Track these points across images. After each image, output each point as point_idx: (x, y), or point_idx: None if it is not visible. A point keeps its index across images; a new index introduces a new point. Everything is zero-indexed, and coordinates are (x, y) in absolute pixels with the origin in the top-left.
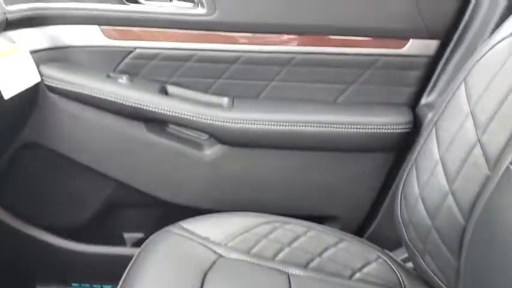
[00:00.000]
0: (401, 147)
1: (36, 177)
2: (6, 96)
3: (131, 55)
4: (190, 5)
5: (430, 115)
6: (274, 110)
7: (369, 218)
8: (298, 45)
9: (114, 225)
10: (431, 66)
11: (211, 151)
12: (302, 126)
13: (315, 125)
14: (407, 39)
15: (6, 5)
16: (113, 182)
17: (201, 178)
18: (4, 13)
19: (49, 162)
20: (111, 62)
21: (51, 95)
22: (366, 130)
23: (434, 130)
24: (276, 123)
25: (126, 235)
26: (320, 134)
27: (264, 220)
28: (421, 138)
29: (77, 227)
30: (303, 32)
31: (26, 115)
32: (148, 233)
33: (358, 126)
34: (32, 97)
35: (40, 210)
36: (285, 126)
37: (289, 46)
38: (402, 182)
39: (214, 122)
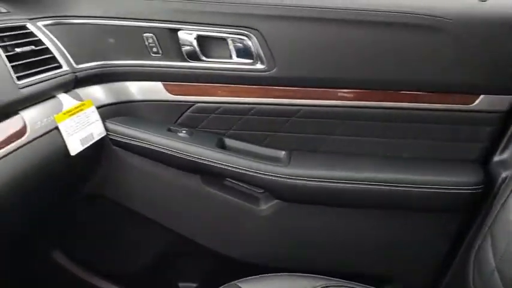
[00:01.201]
0: (472, 207)
1: (97, 225)
2: (73, 152)
3: (191, 109)
4: (250, 61)
5: (504, 174)
6: (333, 166)
7: (433, 283)
8: (359, 99)
9: (170, 274)
10: (504, 121)
11: (267, 206)
12: (362, 184)
13: (377, 183)
14: (478, 94)
15: (76, 64)
16: (170, 232)
17: (255, 232)
18: (74, 72)
19: (110, 212)
20: (172, 116)
21: (115, 148)
22: (433, 189)
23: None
24: (334, 180)
25: (181, 285)
26: (382, 192)
27: (324, 283)
28: (497, 202)
29: (133, 274)
30: (364, 86)
31: (91, 168)
32: (203, 283)
33: (424, 185)
34: (97, 150)
35: (99, 258)
36: (344, 183)
37: (349, 100)
38: (475, 248)
39: (270, 177)
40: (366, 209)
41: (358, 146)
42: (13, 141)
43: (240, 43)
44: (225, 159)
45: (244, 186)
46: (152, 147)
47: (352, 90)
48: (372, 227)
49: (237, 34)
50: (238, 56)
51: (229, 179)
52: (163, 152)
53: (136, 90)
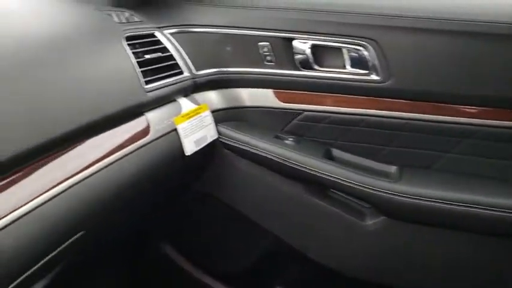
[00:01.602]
0: None
1: (204, 223)
2: (188, 152)
3: (299, 117)
4: (364, 71)
5: None
6: (447, 186)
7: None
8: (481, 117)
9: (268, 277)
10: None
11: (373, 222)
12: (478, 208)
13: (494, 208)
14: None
15: (196, 70)
16: (271, 236)
17: (358, 247)
18: (193, 78)
19: (216, 211)
20: (280, 123)
21: (225, 151)
22: None
23: None
24: (448, 201)
25: None
26: (501, 218)
27: None
28: None
29: (233, 274)
30: (487, 103)
31: (203, 168)
32: None
33: None
34: (209, 152)
35: (204, 254)
36: (459, 206)
37: (471, 118)
38: None
39: (379, 193)
40: (481, 235)
41: (478, 167)
42: (137, 140)
43: (356, 53)
44: (331, 170)
45: (350, 199)
46: (259, 153)
47: (474, 108)
48: (485, 253)
49: (354, 44)
50: (352, 66)
51: (334, 191)
52: (270, 158)
53: (248, 96)
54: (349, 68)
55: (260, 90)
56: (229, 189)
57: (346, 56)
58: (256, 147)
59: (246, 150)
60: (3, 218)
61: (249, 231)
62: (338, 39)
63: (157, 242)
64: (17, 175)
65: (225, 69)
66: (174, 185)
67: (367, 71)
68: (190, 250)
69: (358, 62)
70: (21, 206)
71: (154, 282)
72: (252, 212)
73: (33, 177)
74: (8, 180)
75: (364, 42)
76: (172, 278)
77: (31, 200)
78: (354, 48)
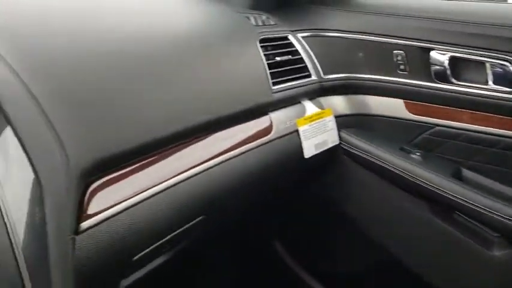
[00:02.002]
0: None
1: (314, 225)
2: (307, 155)
3: (430, 131)
4: (509, 89)
5: None
6: None
7: None
8: None
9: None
10: None
11: (503, 253)
12: None
13: None
14: None
15: (324, 74)
16: (381, 249)
17: (483, 279)
18: (320, 81)
19: (330, 216)
20: (407, 135)
21: (345, 157)
22: None
23: None
24: None
25: None
26: None
27: None
28: None
29: (338, 279)
30: None
31: (320, 171)
32: None
33: None
34: (328, 157)
35: (312, 255)
36: None
37: None
38: None
39: (510, 221)
40: None
41: None
42: (260, 138)
43: (501, 69)
44: (459, 191)
45: (477, 225)
46: (382, 164)
47: None
48: None
49: (499, 59)
50: (495, 83)
51: (460, 214)
52: (393, 171)
53: (376, 104)
54: (491, 85)
55: (390, 99)
56: (346, 196)
57: (489, 71)
58: (379, 157)
59: (368, 159)
60: (140, 193)
61: (360, 239)
62: (481, 52)
63: (267, 238)
64: (155, 157)
65: (354, 75)
66: (289, 184)
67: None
68: (298, 249)
69: (503, 79)
70: (156, 185)
71: (262, 276)
72: (365, 222)
73: (167, 161)
74: (147, 160)
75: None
76: (279, 275)
77: (163, 181)
78: (499, 63)
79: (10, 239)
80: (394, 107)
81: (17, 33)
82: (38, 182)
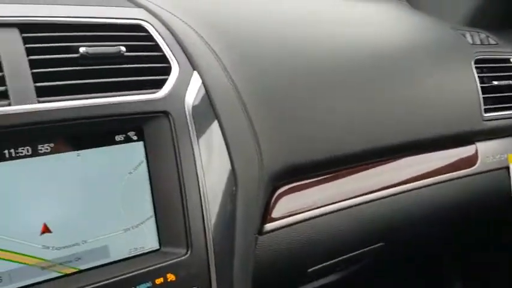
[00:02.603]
0: None
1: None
2: None
3: None
4: None
5: None
6: None
7: None
8: None
9: None
10: None
11: None
12: None
13: None
14: None
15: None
16: None
17: None
18: None
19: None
20: None
21: None
22: None
23: None
24: None
25: None
26: None
27: None
28: None
29: None
30: None
31: None
32: None
33: None
34: None
35: None
36: None
37: None
38: None
39: None
40: None
41: None
42: (461, 169)
43: None
44: None
45: None
46: None
47: None
48: None
49: None
50: None
51: None
52: None
53: None
54: None
55: None
56: None
57: None
58: None
59: None
60: (323, 206)
61: None
62: None
63: (448, 272)
64: (342, 172)
65: None
66: (487, 224)
67: None
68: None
69: None
70: (339, 201)
71: None
72: None
73: (354, 178)
74: (334, 174)
75: None
76: None
77: (347, 199)
78: None
79: (204, 225)
80: None
81: (235, 36)
82: (233, 175)
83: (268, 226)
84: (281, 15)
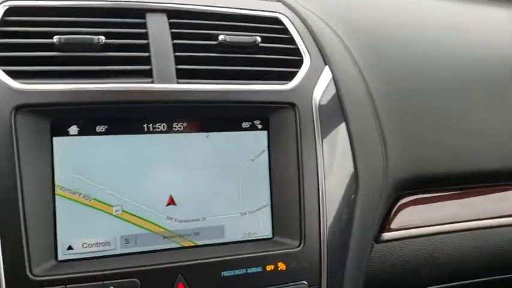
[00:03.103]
0: None
1: None
2: None
3: None
4: None
5: None
6: None
7: None
8: None
9: None
10: None
11: None
12: None
13: None
14: None
15: None
16: None
17: None
18: None
19: None
20: None
21: None
22: None
23: None
24: None
25: None
26: None
27: None
28: None
29: None
30: None
31: None
32: None
33: None
34: None
35: None
36: None
37: None
38: None
39: None
40: None
41: None
42: None
43: None
44: None
45: None
46: None
47: None
48: None
49: None
50: None
51: None
52: None
53: None
54: None
55: None
56: None
57: None
58: None
59: None
60: (446, 224)
61: None
62: None
63: None
64: (472, 191)
65: None
66: None
67: None
68: None
69: None
70: (465, 221)
71: None
72: None
73: (484, 199)
74: (462, 192)
75: None
76: None
77: (473, 220)
78: None
79: (320, 221)
80: None
81: (371, 36)
82: (355, 178)
83: (386, 235)
84: (415, 19)
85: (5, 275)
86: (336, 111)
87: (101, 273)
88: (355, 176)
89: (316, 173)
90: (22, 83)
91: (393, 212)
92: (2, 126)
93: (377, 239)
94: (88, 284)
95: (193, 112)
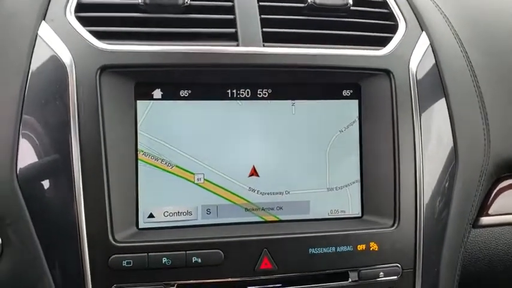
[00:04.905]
0: None
1: None
2: None
3: None
4: None
5: None
6: None
7: None
8: None
9: None
10: None
11: None
12: None
13: None
14: None
15: None
16: None
17: None
18: None
19: None
20: None
21: None
22: None
23: None
24: None
25: None
26: None
27: None
28: None
29: None
30: None
31: None
32: None
33: None
34: None
35: None
36: None
37: None
38: None
39: None
40: None
41: None
42: None
43: None
44: None
45: None
46: None
47: None
48: None
49: None
50: None
51: None
52: None
53: None
54: None
55: None
56: None
57: None
58: None
59: None
60: None
61: None
62: None
63: None
64: None
65: None
66: None
67: None
68: None
69: None
70: None
71: None
72: None
73: None
74: None
75: None
76: None
77: None
78: None
79: (416, 201)
80: None
81: (469, 5)
82: (455, 156)
83: (485, 220)
84: None
85: (88, 240)
86: (434, 80)
87: (184, 242)
88: (455, 154)
89: (413, 147)
90: (107, 43)
91: (492, 195)
92: (87, 87)
93: (475, 224)
94: (170, 253)
95: (279, 77)
